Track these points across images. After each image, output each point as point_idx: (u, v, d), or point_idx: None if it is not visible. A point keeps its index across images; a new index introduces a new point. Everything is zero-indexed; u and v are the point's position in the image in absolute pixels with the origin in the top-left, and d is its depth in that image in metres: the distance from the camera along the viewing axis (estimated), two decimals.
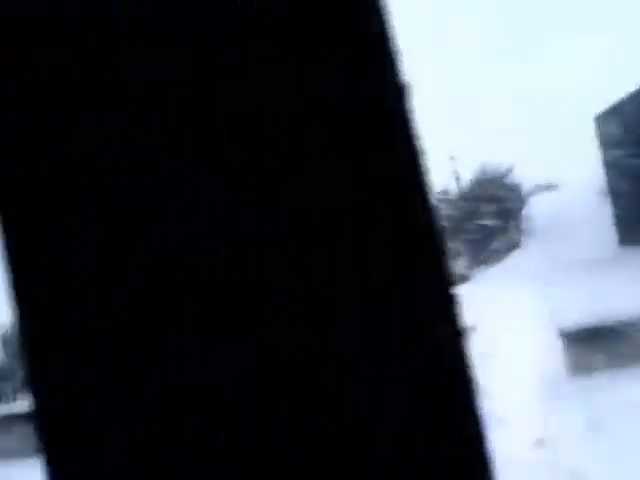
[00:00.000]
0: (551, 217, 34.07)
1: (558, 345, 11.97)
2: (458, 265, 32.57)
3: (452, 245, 34.01)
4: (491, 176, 39.43)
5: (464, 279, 30.84)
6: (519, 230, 36.05)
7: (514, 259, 31.64)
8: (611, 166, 28.61)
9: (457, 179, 43.21)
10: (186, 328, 0.76)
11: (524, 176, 38.39)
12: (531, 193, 38.90)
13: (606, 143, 28.65)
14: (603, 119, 28.74)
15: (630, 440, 7.35)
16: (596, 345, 11.39)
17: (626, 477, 6.60)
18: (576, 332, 11.71)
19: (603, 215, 29.62)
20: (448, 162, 43.10)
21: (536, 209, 36.64)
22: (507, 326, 12.41)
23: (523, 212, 37.47)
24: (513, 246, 34.23)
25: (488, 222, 35.48)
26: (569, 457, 7.36)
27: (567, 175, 37.32)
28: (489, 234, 34.79)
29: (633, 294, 14.53)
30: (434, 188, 41.90)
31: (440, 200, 41.99)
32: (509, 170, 39.35)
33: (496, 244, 33.98)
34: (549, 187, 39.78)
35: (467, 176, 41.56)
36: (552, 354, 12.10)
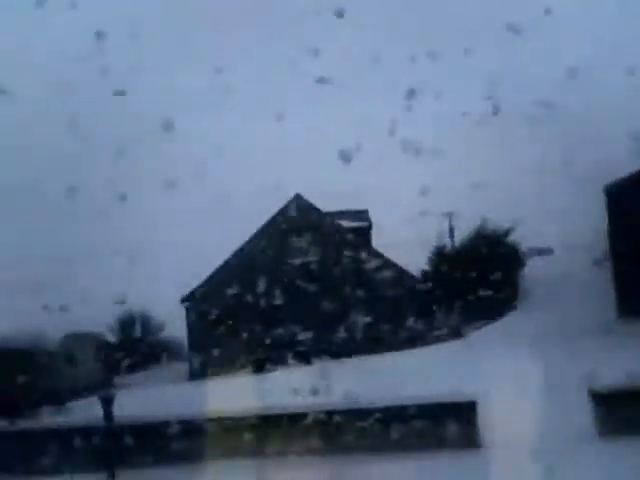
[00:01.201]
0: (548, 281, 33.93)
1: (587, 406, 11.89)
2: (452, 320, 32.33)
3: (445, 301, 33.77)
4: (489, 235, 39.36)
5: (457, 334, 30.62)
6: (515, 291, 35.90)
7: (509, 320, 31.44)
8: (616, 236, 28.64)
9: (453, 236, 43.16)
10: None
11: (522, 237, 38.34)
12: (529, 255, 38.84)
13: (613, 213, 28.72)
14: (613, 189, 28.83)
15: None
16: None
17: None
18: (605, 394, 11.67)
19: (602, 284, 29.51)
20: (445, 218, 43.08)
21: (533, 272, 36.54)
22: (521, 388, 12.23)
23: (520, 273, 37.37)
24: (509, 307, 34.02)
25: (484, 281, 35.27)
26: None
27: (566, 240, 37.21)
28: (484, 293, 34.58)
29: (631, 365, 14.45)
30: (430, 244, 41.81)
31: (435, 256, 41.88)
32: (509, 230, 39.28)
33: (491, 304, 33.77)
34: (547, 251, 39.78)
35: (464, 234, 41.48)
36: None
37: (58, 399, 22.98)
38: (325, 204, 35.35)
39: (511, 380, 13.30)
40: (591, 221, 31.64)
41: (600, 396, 11.90)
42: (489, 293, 32.96)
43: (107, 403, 12.34)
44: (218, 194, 34.60)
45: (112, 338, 42.11)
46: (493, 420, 12.26)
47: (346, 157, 13.22)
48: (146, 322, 44.46)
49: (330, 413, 12.35)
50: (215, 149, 41.92)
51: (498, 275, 34.96)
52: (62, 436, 12.87)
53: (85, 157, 35.32)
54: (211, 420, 12.65)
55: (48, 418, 19.19)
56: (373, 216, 38.74)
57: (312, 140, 42.99)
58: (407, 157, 16.82)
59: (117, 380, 31.40)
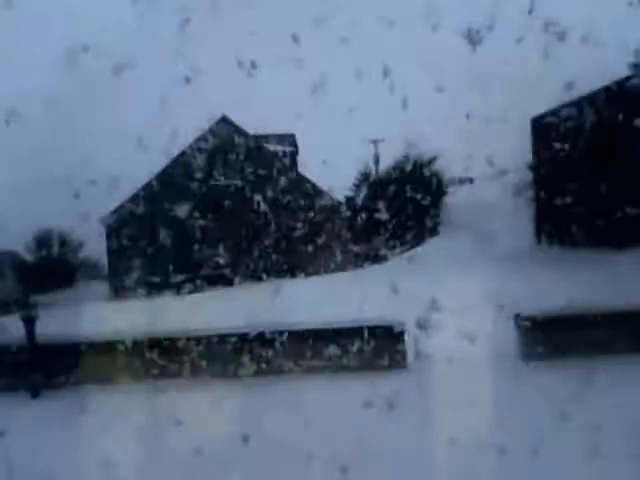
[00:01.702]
0: (470, 210, 34.49)
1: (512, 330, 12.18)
2: (376, 245, 32.64)
3: (370, 226, 34.06)
4: (413, 162, 39.69)
5: (383, 259, 30.98)
6: (437, 218, 36.47)
7: (431, 245, 31.91)
8: (538, 166, 29.14)
9: (377, 163, 43.37)
10: None
11: (445, 165, 38.77)
12: (451, 184, 39.38)
13: (537, 144, 29.15)
14: (539, 121, 29.21)
15: None
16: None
17: None
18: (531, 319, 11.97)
19: (522, 213, 30.17)
20: (370, 145, 43.19)
21: (455, 199, 37.09)
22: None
23: (442, 201, 37.93)
24: (430, 233, 34.56)
25: (407, 207, 35.65)
26: None
27: (488, 168, 37.66)
28: (407, 219, 34.98)
29: (551, 289, 14.87)
30: (355, 171, 41.94)
31: (360, 182, 42.11)
32: (432, 158, 39.68)
33: (414, 230, 34.20)
34: (468, 180, 40.35)
35: (389, 161, 41.74)
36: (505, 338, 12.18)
37: None
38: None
39: (433, 302, 13.50)
40: (513, 151, 32.09)
41: (523, 320, 12.17)
42: (412, 220, 33.38)
43: (30, 323, 12.01)
44: None
45: (29, 257, 41.13)
46: (417, 342, 12.44)
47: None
48: (64, 241, 43.48)
49: (259, 335, 12.32)
50: None
51: (421, 202, 35.41)
52: None
53: None
54: (129, 340, 12.47)
55: None
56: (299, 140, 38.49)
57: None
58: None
59: (35, 299, 30.75)
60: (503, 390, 9.88)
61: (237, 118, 34.63)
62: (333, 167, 34.61)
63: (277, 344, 12.44)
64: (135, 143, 17.68)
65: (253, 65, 12.79)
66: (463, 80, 23.42)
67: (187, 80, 14.15)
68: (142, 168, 33.21)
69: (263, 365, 12.32)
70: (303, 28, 11.98)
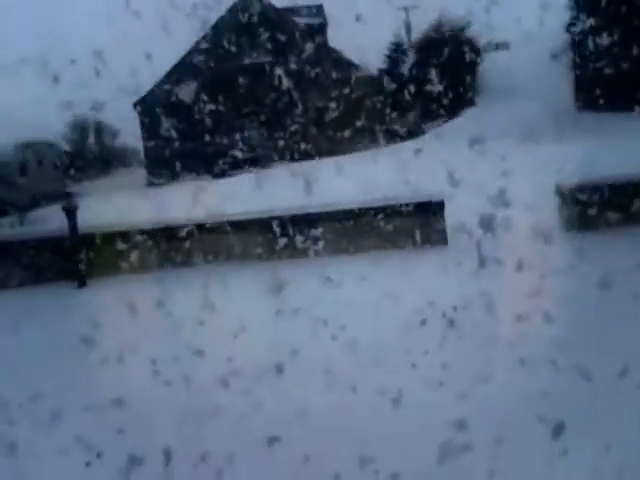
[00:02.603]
0: (507, 76, 33.58)
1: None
2: (411, 118, 32.15)
3: (404, 97, 33.40)
4: (446, 29, 38.50)
5: (418, 132, 30.56)
6: (474, 87, 35.60)
7: (469, 116, 31.32)
8: (576, 28, 28.08)
9: (409, 30, 42.11)
10: None
11: (479, 32, 37.52)
12: (486, 50, 38.23)
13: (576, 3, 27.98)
14: None
15: None
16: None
17: None
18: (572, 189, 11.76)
19: (560, 78, 29.30)
20: (402, 13, 41.86)
21: (491, 66, 36.10)
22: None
23: (478, 68, 36.92)
24: (467, 104, 33.85)
25: (441, 77, 34.79)
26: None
27: (523, 34, 36.46)
28: (442, 88, 34.20)
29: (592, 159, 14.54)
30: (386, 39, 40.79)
31: (392, 51, 41.02)
32: (466, 24, 38.40)
33: (449, 99, 33.48)
34: (504, 45, 39.14)
35: (421, 28, 40.53)
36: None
37: (16, 210, 22.77)
38: None
39: (475, 175, 13.24)
40: (550, 13, 30.83)
41: (565, 191, 11.97)
42: (448, 90, 32.64)
43: (71, 213, 12.12)
44: None
45: (66, 146, 41.31)
46: (459, 218, 12.32)
47: None
48: (100, 129, 43.53)
49: (298, 216, 12.31)
50: None
51: (456, 71, 34.50)
52: (27, 247, 12.71)
53: None
54: (174, 227, 12.55)
55: (9, 229, 19.04)
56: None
57: None
58: None
59: (74, 189, 31.09)
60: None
61: None
62: (364, 37, 33.73)
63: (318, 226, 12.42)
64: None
65: None
66: None
67: None
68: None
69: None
70: None
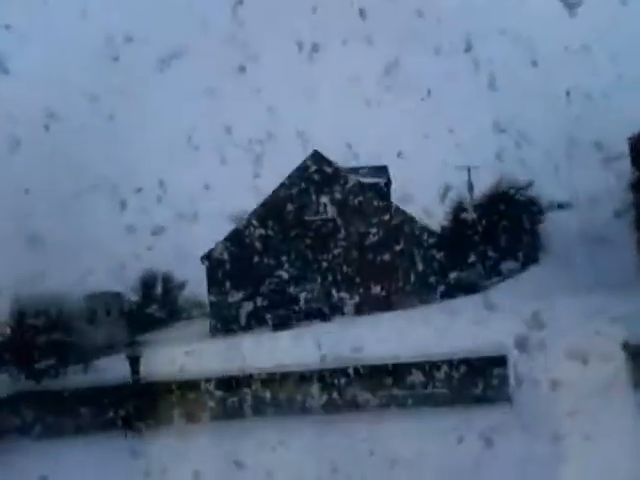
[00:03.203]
0: (569, 235, 33.60)
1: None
2: (473, 275, 32.20)
3: (468, 255, 33.62)
4: (508, 189, 39.07)
5: (480, 288, 30.48)
6: (536, 246, 35.67)
7: (531, 275, 31.23)
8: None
9: (471, 190, 42.84)
10: None
11: (541, 192, 37.98)
12: (548, 209, 38.52)
13: (637, 164, 28.30)
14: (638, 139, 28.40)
15: None
16: None
17: None
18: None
19: (623, 238, 29.21)
20: (464, 172, 42.73)
21: (553, 226, 36.23)
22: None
23: (540, 228, 37.09)
24: (530, 261, 33.84)
25: (505, 235, 35.06)
26: None
27: (583, 193, 36.71)
28: (505, 247, 34.38)
29: None
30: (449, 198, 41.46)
31: (455, 211, 41.60)
32: (527, 184, 38.95)
33: (511, 260, 33.62)
34: (567, 204, 39.40)
35: (483, 188, 41.17)
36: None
37: (83, 358, 23.15)
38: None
39: (537, 333, 13.16)
40: (612, 173, 31.14)
41: (633, 349, 11.82)
42: (511, 248, 32.81)
43: (134, 361, 12.36)
44: None
45: (134, 297, 42.34)
46: (522, 374, 12.17)
47: None
48: (167, 280, 44.60)
49: (360, 369, 12.32)
50: None
51: (518, 230, 34.78)
52: (90, 396, 12.91)
53: None
54: (238, 377, 12.64)
55: (74, 378, 19.33)
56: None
57: None
58: None
59: (139, 338, 31.56)
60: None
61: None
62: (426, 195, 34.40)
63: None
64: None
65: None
66: None
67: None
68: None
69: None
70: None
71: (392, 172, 37.65)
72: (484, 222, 35.67)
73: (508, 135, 15.91)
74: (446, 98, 27.02)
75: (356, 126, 28.23)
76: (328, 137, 30.17)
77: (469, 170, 42.37)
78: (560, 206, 39.40)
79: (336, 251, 33.19)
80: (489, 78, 11.99)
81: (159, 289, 44.94)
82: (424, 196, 33.27)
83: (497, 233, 34.90)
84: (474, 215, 37.96)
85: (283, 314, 31.75)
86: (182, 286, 44.44)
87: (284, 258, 32.74)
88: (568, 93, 17.19)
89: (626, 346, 12.06)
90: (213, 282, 35.26)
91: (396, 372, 12.37)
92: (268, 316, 31.67)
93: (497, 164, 35.97)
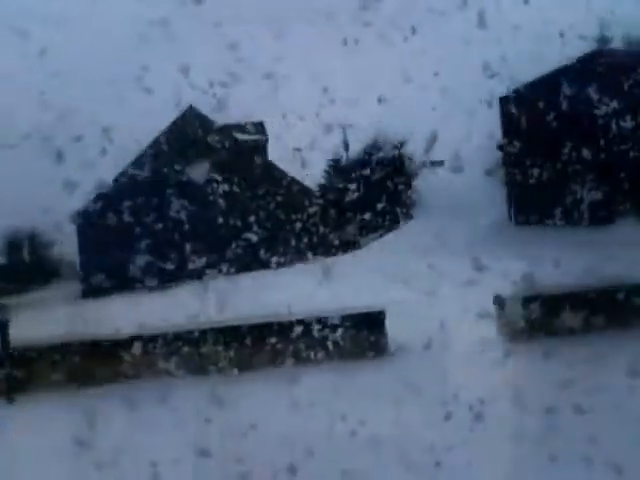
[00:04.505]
0: (442, 192, 34.41)
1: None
2: (348, 231, 32.47)
3: (342, 211, 33.93)
4: (383, 147, 39.59)
5: (354, 246, 30.82)
6: (410, 202, 36.36)
7: (405, 230, 31.82)
8: (509, 145, 29.09)
9: (347, 148, 43.16)
10: None
11: (415, 149, 38.64)
12: (422, 166, 39.28)
13: (507, 121, 29.09)
14: (506, 101, 29.12)
15: None
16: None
17: None
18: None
19: (495, 194, 30.15)
20: (339, 131, 42.93)
21: (427, 183, 37.01)
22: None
23: (413, 184, 37.83)
24: (404, 218, 34.44)
25: (379, 192, 35.53)
26: None
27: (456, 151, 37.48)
28: (380, 204, 34.84)
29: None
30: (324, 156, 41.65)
31: (330, 168, 41.88)
32: (401, 142, 39.58)
33: (386, 215, 34.09)
34: (439, 162, 40.30)
35: (358, 146, 41.53)
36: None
37: None
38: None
39: (413, 287, 13.37)
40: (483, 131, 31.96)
41: (503, 302, 12.17)
42: (385, 204, 33.26)
43: (2, 328, 11.74)
44: None
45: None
46: (400, 328, 12.35)
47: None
48: (35, 240, 42.66)
49: (237, 327, 12.15)
50: None
51: (393, 186, 35.31)
52: None
53: None
54: (107, 339, 12.23)
55: None
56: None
57: None
58: None
59: (7, 302, 30.25)
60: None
61: None
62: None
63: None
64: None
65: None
66: None
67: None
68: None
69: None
70: None
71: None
72: (360, 179, 36.09)
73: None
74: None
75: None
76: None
77: (344, 128, 42.62)
78: (433, 163, 40.28)
79: (211, 213, 32.70)
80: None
81: (26, 250, 43.01)
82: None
83: (371, 191, 35.34)
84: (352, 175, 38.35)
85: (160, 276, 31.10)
86: (50, 245, 42.65)
87: (153, 222, 31.88)
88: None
89: (497, 299, 12.39)
90: (83, 243, 34.21)
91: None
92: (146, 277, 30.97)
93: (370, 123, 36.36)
